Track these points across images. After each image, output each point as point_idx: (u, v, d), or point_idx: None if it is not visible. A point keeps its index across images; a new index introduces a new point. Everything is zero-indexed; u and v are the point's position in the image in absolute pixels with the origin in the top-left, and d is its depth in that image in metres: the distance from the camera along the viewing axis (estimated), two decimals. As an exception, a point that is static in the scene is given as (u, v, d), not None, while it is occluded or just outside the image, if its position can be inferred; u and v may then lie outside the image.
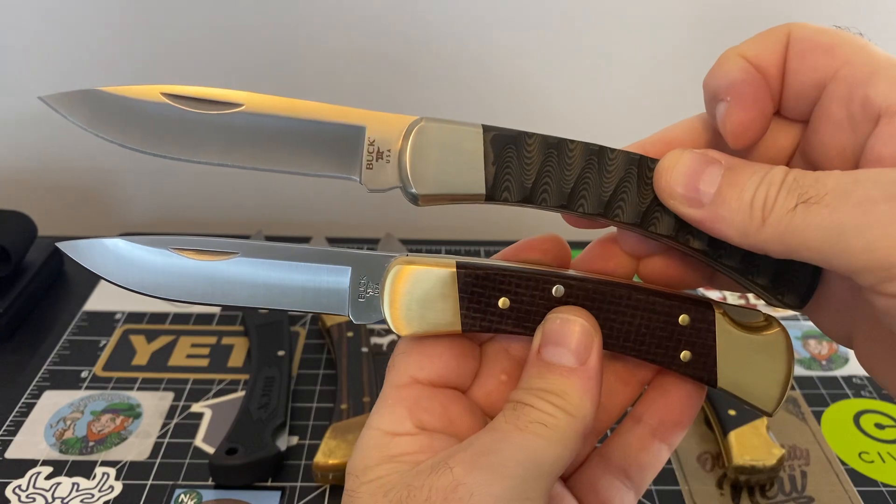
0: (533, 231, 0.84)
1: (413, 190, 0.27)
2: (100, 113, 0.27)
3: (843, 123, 0.24)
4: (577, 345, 0.26)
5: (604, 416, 0.30)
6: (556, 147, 0.27)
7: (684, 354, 0.28)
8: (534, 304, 0.27)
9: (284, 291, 0.28)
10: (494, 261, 0.29)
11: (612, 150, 0.27)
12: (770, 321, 0.28)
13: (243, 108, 0.27)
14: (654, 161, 0.27)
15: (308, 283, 0.28)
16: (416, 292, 0.27)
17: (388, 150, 0.27)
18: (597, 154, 0.27)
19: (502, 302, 0.27)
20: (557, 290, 0.27)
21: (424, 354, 0.28)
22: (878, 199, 0.21)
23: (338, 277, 0.28)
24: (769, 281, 0.27)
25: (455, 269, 0.27)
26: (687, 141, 0.28)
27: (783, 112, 0.27)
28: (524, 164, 0.27)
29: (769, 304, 0.28)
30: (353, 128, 0.27)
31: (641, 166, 0.27)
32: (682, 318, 0.28)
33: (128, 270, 0.28)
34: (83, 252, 0.28)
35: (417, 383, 0.28)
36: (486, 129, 0.27)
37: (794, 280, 0.27)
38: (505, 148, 0.27)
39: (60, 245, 0.28)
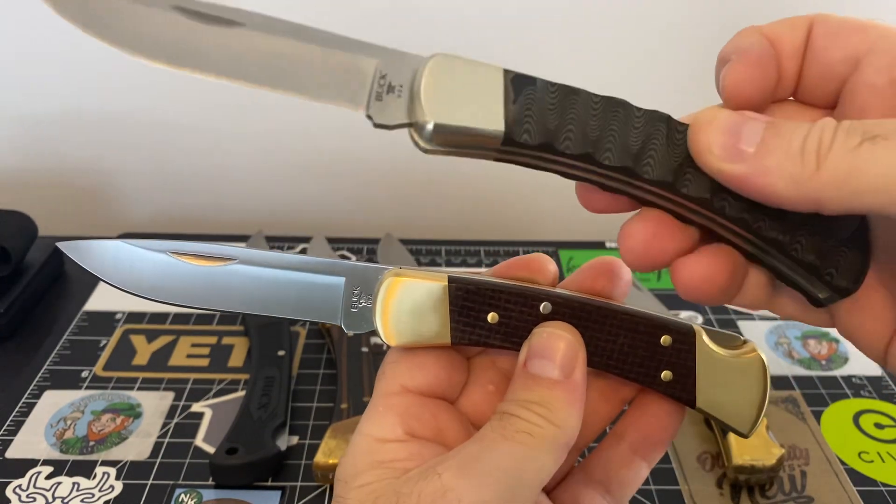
0: (532, 230, 0.84)
1: (426, 120, 0.24)
2: (106, 17, 0.26)
3: (884, 90, 0.24)
4: (562, 358, 0.27)
5: (586, 431, 0.30)
6: (578, 94, 0.25)
7: (665, 374, 0.28)
8: (522, 319, 0.28)
9: (279, 299, 0.29)
10: (485, 277, 0.29)
11: (638, 108, 0.26)
12: (748, 345, 0.29)
13: (245, 27, 0.26)
14: (683, 124, 0.25)
15: (303, 291, 0.29)
16: (408, 304, 0.28)
17: (401, 86, 0.26)
18: (622, 106, 0.25)
19: (491, 317, 0.28)
20: (545, 307, 0.28)
21: (414, 364, 0.29)
22: None
23: (332, 287, 0.29)
24: (816, 257, 0.25)
25: (447, 284, 0.28)
26: None
27: (804, 96, 0.26)
28: (547, 106, 0.25)
29: (813, 296, 0.26)
30: (363, 60, 0.26)
31: (670, 126, 0.25)
32: (664, 339, 0.28)
33: (126, 273, 0.28)
34: (83, 253, 0.28)
35: (407, 392, 0.29)
36: (507, 71, 0.25)
37: (843, 256, 0.25)
38: (526, 88, 0.25)
39: (61, 245, 0.29)
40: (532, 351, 0.27)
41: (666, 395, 0.29)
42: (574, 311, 0.28)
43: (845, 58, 0.25)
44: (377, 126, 0.25)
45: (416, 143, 0.25)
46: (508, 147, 0.25)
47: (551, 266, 0.30)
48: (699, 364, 0.28)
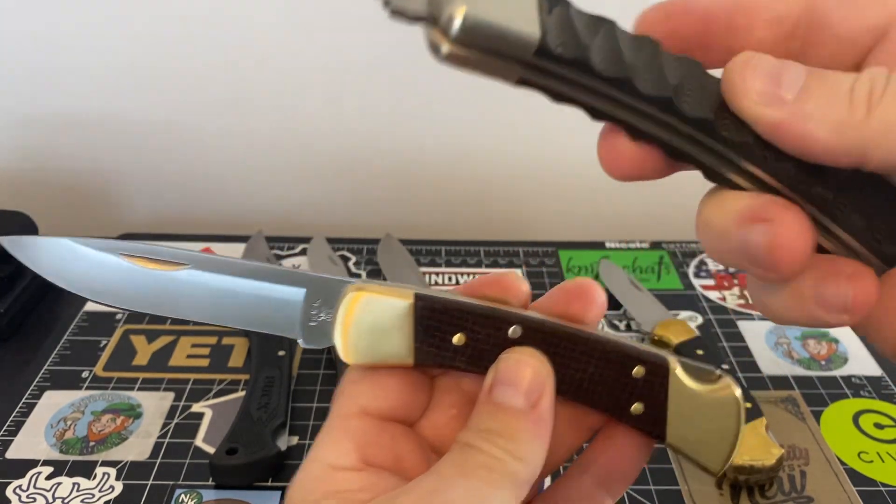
0: (532, 230, 0.84)
1: (455, 11, 0.21)
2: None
3: None
4: (528, 386, 0.25)
5: (550, 459, 0.28)
6: (613, 24, 0.23)
7: (636, 407, 0.27)
8: (489, 342, 0.27)
9: (234, 308, 0.27)
10: (453, 294, 0.28)
11: (669, 52, 0.24)
12: (723, 380, 0.27)
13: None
14: (714, 77, 0.24)
15: (260, 301, 0.27)
16: (371, 321, 0.26)
17: None
18: (655, 45, 0.23)
19: (458, 338, 0.27)
20: (514, 330, 0.27)
21: (376, 385, 0.27)
22: None
23: (291, 299, 0.27)
24: (862, 217, 0.23)
25: (412, 301, 0.26)
26: None
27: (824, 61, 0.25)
28: (582, 24, 0.23)
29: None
30: None
31: (705, 72, 0.24)
32: (637, 370, 0.27)
33: (74, 273, 0.27)
34: (28, 250, 0.27)
35: (366, 415, 0.27)
36: None
37: (892, 222, 0.23)
38: (560, 4, 0.23)
39: (2, 240, 0.27)
40: (498, 377, 0.26)
41: (635, 428, 0.28)
42: (545, 336, 0.27)
43: (870, 28, 0.24)
44: (393, 13, 0.21)
45: (436, 45, 0.22)
46: (540, 60, 0.22)
47: (523, 286, 0.28)
48: (671, 398, 0.27)
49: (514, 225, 0.81)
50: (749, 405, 0.49)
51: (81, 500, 0.45)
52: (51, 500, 0.45)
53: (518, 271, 0.28)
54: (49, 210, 0.73)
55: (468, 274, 0.67)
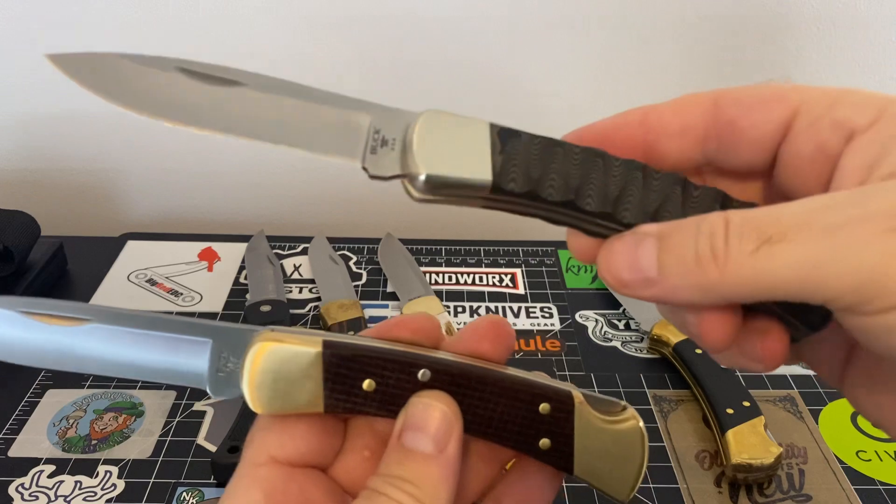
0: (532, 230, 0.84)
1: (418, 171, 0.25)
2: (114, 80, 0.26)
3: (814, 157, 0.24)
4: (436, 431, 0.26)
5: (464, 493, 0.29)
6: (561, 146, 0.27)
7: (543, 442, 0.28)
8: (399, 387, 0.27)
9: (140, 362, 0.27)
10: (363, 339, 0.28)
11: (616, 157, 0.27)
12: (627, 412, 0.28)
13: (246, 87, 0.27)
14: (658, 171, 0.27)
15: (166, 354, 0.27)
16: (278, 370, 0.26)
17: (394, 139, 0.27)
18: (601, 157, 0.27)
19: (367, 384, 0.27)
20: (424, 374, 0.27)
21: (285, 432, 0.27)
22: (842, 223, 0.21)
23: (197, 350, 0.27)
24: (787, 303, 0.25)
25: (320, 349, 0.26)
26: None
27: (740, 167, 0.27)
28: (531, 157, 0.26)
29: (794, 330, 0.26)
30: (359, 115, 0.27)
31: (646, 173, 0.26)
32: (543, 407, 0.27)
33: None
34: None
35: (276, 463, 0.27)
36: (493, 125, 0.27)
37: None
38: (511, 140, 0.27)
39: None
40: (407, 422, 0.26)
41: (544, 462, 0.28)
42: (453, 378, 0.27)
43: (777, 126, 0.25)
44: (372, 177, 0.26)
45: (409, 193, 0.26)
46: (496, 195, 0.26)
47: (435, 326, 0.29)
48: (577, 432, 0.28)
49: (515, 225, 0.81)
50: (748, 403, 0.50)
51: (83, 499, 0.45)
52: (53, 498, 0.45)
53: (430, 312, 0.29)
54: (51, 209, 0.73)
55: (468, 274, 0.68)
